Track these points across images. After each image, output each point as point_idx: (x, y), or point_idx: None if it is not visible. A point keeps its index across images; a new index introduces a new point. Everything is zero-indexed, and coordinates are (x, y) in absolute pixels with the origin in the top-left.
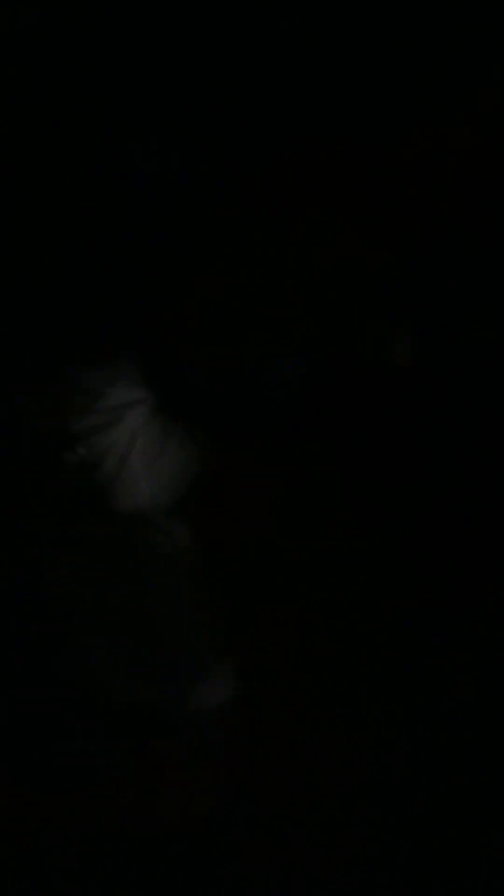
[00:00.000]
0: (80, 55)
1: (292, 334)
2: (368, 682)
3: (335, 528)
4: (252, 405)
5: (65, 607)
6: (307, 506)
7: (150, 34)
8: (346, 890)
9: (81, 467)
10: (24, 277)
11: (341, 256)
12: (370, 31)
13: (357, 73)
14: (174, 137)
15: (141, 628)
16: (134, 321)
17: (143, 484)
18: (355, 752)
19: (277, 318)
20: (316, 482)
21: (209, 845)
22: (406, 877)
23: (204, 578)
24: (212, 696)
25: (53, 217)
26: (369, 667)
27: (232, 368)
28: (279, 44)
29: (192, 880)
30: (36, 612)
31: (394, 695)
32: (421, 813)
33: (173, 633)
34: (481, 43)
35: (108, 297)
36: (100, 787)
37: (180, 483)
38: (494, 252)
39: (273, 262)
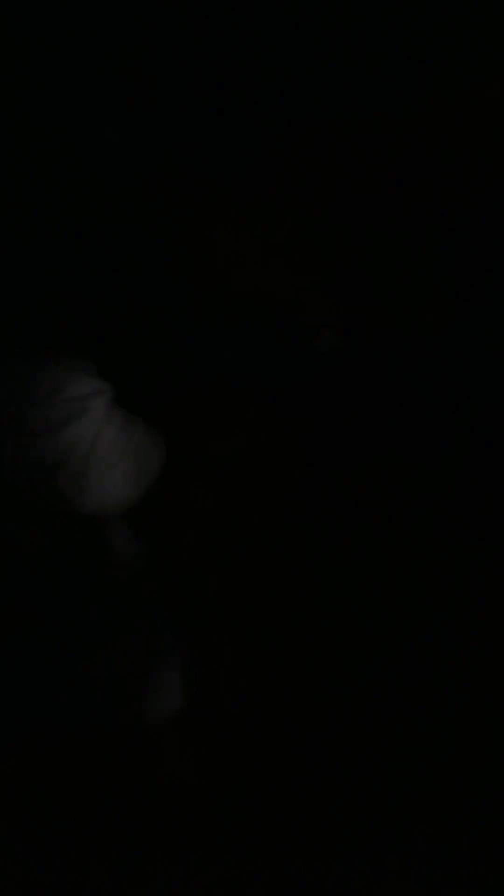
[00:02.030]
0: (79, 45)
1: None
2: (368, 680)
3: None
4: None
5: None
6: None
7: (149, 25)
8: (345, 885)
9: (47, 465)
10: None
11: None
12: (369, 26)
13: (355, 67)
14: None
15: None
16: (87, 312)
17: (110, 479)
18: (355, 750)
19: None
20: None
21: (211, 838)
22: (405, 873)
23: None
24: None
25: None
26: (369, 665)
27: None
28: (278, 39)
29: (192, 876)
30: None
31: (393, 692)
32: (421, 813)
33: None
34: (481, 41)
35: (61, 289)
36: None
37: (147, 475)
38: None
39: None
